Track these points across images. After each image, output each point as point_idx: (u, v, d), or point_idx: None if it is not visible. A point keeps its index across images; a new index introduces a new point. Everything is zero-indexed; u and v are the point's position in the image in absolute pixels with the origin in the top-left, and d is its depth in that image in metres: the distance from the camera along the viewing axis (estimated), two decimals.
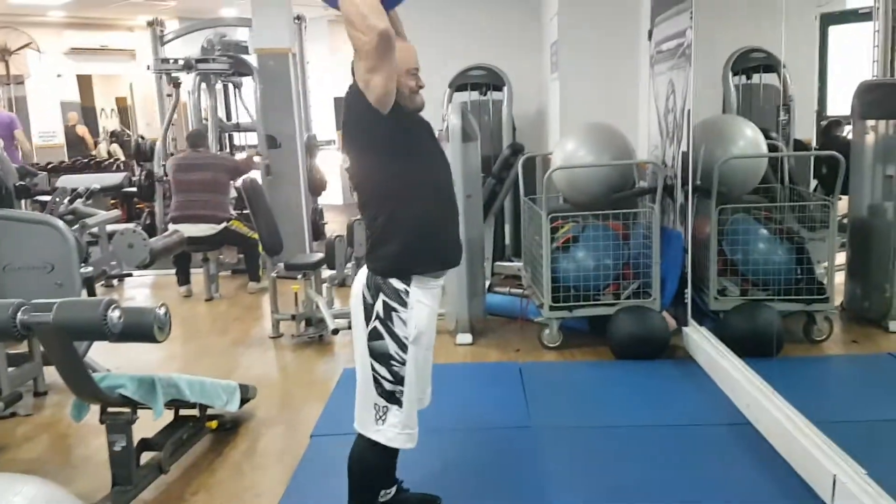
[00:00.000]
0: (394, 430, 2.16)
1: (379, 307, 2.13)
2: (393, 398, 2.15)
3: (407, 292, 2.12)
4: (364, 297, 2.16)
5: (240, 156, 6.61)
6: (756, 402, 3.02)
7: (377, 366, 2.15)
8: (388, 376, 2.14)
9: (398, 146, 2.08)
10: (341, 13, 1.94)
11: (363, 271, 2.20)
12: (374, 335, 2.14)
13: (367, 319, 2.15)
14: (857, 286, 4.22)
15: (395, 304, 2.12)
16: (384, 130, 2.04)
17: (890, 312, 3.98)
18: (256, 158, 6.31)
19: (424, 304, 2.15)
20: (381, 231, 2.13)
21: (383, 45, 1.88)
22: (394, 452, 2.26)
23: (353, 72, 2.03)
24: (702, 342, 3.77)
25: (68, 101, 11.89)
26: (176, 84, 6.66)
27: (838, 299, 4.20)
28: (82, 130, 10.80)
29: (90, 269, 3.23)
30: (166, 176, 5.99)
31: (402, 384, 2.14)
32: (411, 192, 2.11)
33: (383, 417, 2.16)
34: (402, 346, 2.12)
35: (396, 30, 2.13)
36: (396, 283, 2.12)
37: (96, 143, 11.31)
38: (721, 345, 3.64)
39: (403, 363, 2.13)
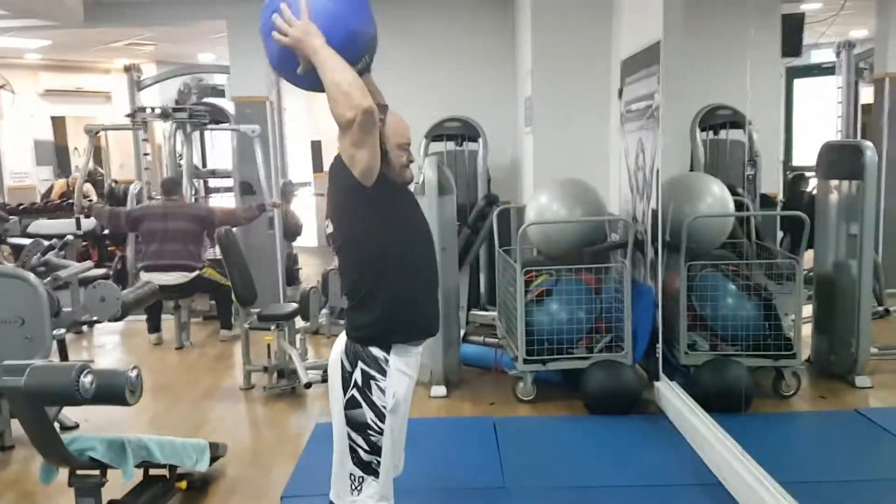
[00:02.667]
0: (370, 500, 2.14)
1: (357, 375, 2.13)
2: (369, 469, 2.14)
3: (386, 360, 2.12)
4: (343, 364, 2.16)
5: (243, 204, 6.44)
6: (725, 462, 3.06)
7: (354, 435, 2.14)
8: (365, 446, 2.13)
9: (382, 217, 2.10)
10: (326, 89, 1.95)
11: (342, 338, 2.21)
12: (351, 404, 2.14)
13: (345, 388, 2.14)
14: (823, 341, 4.31)
15: (373, 373, 2.12)
16: (368, 202, 2.06)
17: (856, 368, 4.06)
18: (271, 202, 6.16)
19: (404, 373, 2.16)
20: (362, 299, 2.14)
21: (367, 122, 1.91)
22: None
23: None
24: (672, 398, 3.81)
25: (41, 140, 11.80)
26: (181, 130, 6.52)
27: (806, 353, 4.28)
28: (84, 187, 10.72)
29: (63, 330, 3.19)
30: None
31: (378, 454, 2.13)
32: (393, 263, 2.13)
33: (359, 488, 2.15)
34: (380, 416, 2.12)
35: (377, 100, 2.17)
36: (376, 350, 2.13)
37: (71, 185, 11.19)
38: (691, 400, 3.68)
39: (381, 433, 2.12)
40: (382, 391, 2.12)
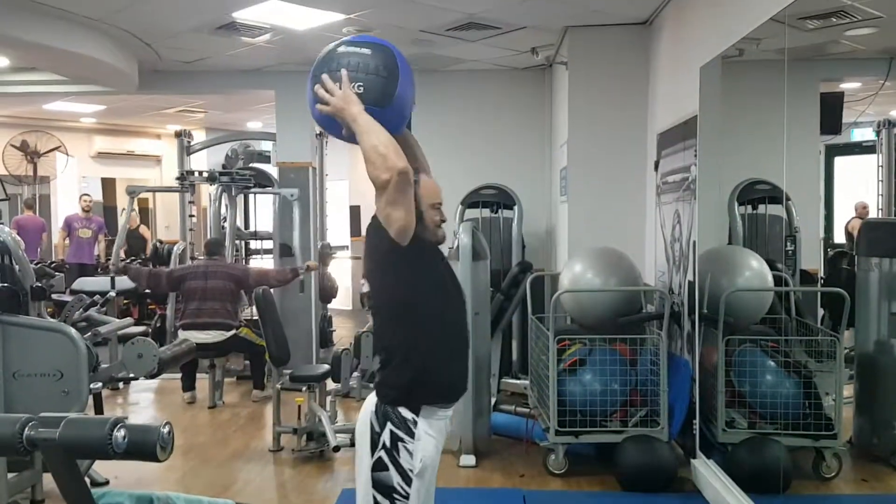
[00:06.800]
0: None
1: (386, 436, 2.12)
2: None
3: (415, 422, 2.12)
4: (371, 424, 2.15)
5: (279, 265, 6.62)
6: None
7: (380, 497, 2.12)
8: None
9: (416, 277, 2.15)
10: (362, 152, 2.04)
11: (371, 398, 2.21)
12: (378, 465, 2.12)
13: (373, 449, 2.13)
14: (865, 422, 4.17)
15: (402, 434, 2.11)
16: (403, 261, 2.12)
17: None
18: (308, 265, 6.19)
19: (431, 436, 2.14)
20: (393, 358, 2.16)
21: (402, 182, 2.00)
22: None
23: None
24: (710, 476, 3.70)
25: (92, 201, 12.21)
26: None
27: (847, 433, 4.14)
28: (144, 231, 10.92)
29: (99, 384, 3.25)
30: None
31: None
32: (425, 323, 2.16)
33: None
34: (407, 480, 2.10)
35: (418, 159, 2.26)
36: (405, 412, 2.12)
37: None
38: (728, 479, 3.57)
39: (407, 497, 2.10)
40: (410, 454, 2.10)
